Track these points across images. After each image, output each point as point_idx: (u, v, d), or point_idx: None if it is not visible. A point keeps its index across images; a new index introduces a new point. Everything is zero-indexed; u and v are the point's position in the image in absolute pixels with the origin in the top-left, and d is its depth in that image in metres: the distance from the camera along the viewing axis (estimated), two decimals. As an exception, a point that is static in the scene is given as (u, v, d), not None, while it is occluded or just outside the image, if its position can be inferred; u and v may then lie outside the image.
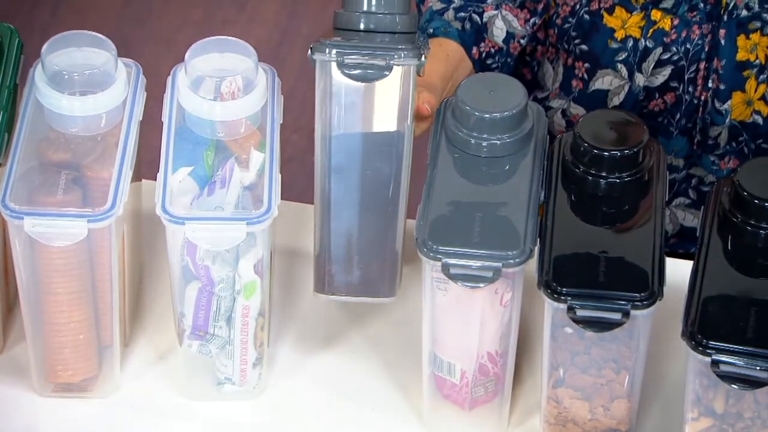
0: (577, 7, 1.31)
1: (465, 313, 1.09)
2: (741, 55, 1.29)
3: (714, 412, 1.06)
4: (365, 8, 1.09)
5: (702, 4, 1.26)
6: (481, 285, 1.05)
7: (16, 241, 1.10)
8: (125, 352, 1.20)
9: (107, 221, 1.08)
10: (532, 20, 1.32)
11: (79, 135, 1.13)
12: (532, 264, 1.07)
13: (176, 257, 1.11)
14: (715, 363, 1.02)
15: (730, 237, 1.08)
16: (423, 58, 1.07)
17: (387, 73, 1.06)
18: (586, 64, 1.33)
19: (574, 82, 1.35)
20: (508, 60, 1.32)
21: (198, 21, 2.28)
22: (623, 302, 1.04)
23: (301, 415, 1.17)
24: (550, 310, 1.06)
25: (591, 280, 1.05)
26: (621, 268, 1.06)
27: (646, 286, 1.05)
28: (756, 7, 1.26)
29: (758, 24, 1.27)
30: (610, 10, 1.29)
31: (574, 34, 1.33)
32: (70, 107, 1.12)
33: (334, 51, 1.06)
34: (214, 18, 2.29)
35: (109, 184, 1.10)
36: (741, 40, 1.27)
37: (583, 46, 1.32)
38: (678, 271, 1.12)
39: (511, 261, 1.05)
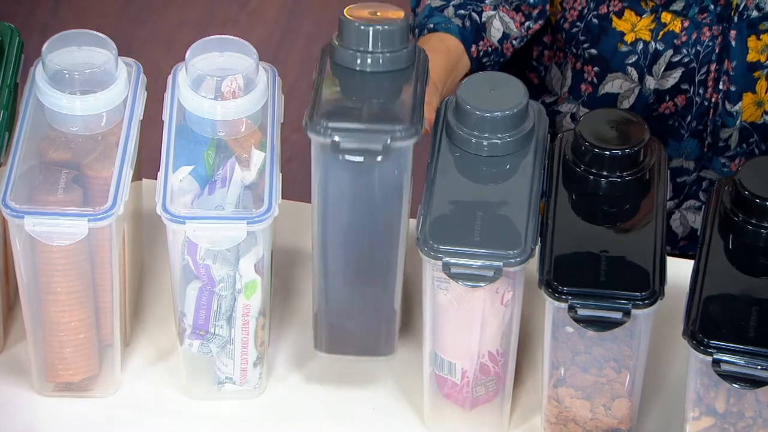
0: (585, 11, 1.31)
1: (466, 312, 1.09)
2: (751, 56, 1.29)
3: (715, 411, 1.06)
4: (362, 47, 1.08)
5: (712, 6, 1.25)
6: (482, 284, 1.05)
7: (17, 241, 1.10)
8: (126, 352, 1.20)
9: (108, 220, 1.08)
10: (527, 24, 1.32)
11: (79, 134, 1.13)
12: (533, 263, 1.07)
13: (177, 256, 1.11)
14: (717, 362, 1.02)
15: (731, 236, 1.08)
16: (420, 134, 1.05)
17: (384, 155, 1.04)
18: (596, 68, 1.33)
19: (583, 86, 1.34)
20: (501, 60, 1.32)
21: (198, 20, 2.28)
22: (624, 301, 1.04)
23: (302, 415, 1.17)
24: (551, 309, 1.06)
25: (592, 279, 1.05)
26: (622, 267, 1.06)
27: (647, 286, 1.05)
28: (767, 8, 1.26)
29: None
30: (620, 14, 1.29)
31: (582, 38, 1.32)
32: (70, 106, 1.12)
33: (330, 134, 1.04)
34: (214, 17, 2.29)
35: (109, 183, 1.10)
36: (752, 41, 1.27)
37: (592, 50, 1.32)
38: (679, 270, 1.12)
39: (512, 260, 1.05)
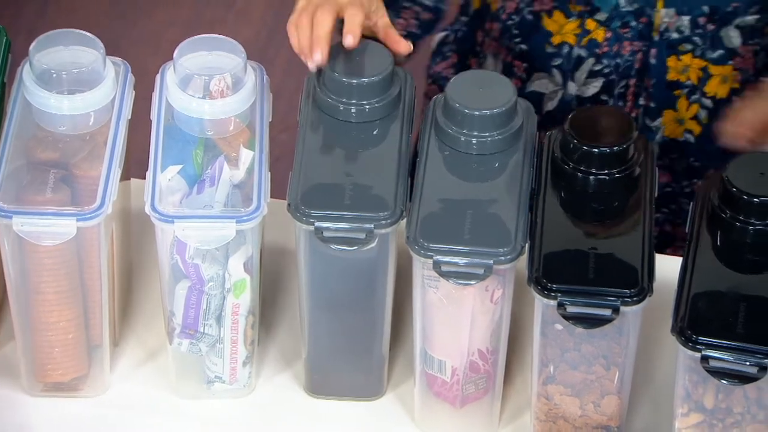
0: (522, 4, 1.29)
1: (456, 310, 1.09)
2: (671, 76, 1.28)
3: (704, 407, 1.06)
4: (346, 99, 1.10)
5: (634, 23, 1.25)
6: (473, 282, 1.05)
7: (5, 241, 1.09)
8: (115, 352, 1.20)
9: (96, 220, 1.08)
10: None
11: (67, 134, 1.13)
12: (522, 261, 1.07)
13: (166, 256, 1.11)
14: (705, 358, 1.02)
15: (719, 233, 1.08)
16: (403, 216, 1.06)
17: (368, 243, 1.05)
18: (525, 64, 1.31)
19: (512, 81, 1.33)
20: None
21: (186, 20, 2.28)
22: (613, 298, 1.04)
23: (292, 414, 1.17)
24: (540, 306, 1.06)
25: (581, 276, 1.05)
26: (611, 264, 1.06)
27: (636, 282, 1.05)
28: (687, 32, 1.25)
29: (689, 47, 1.26)
30: (550, 13, 1.28)
31: (515, 32, 1.31)
32: (58, 106, 1.12)
33: (313, 222, 1.05)
34: (201, 17, 2.29)
35: (97, 182, 1.10)
36: (671, 61, 1.27)
37: (523, 46, 1.30)
38: (667, 267, 1.12)
39: (502, 258, 1.05)
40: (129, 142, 1.15)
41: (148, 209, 1.08)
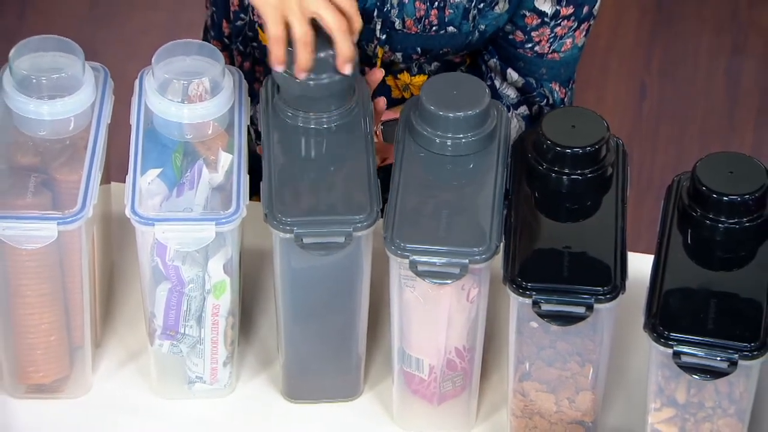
0: (246, 2, 1.25)
1: (432, 309, 1.10)
2: (396, 94, 1.29)
3: (676, 402, 1.08)
4: (305, 107, 1.10)
5: None
6: (449, 282, 1.07)
7: (-14, 244, 1.10)
8: (96, 353, 1.21)
9: (77, 223, 1.09)
10: None
11: (47, 138, 1.13)
12: (498, 260, 1.08)
13: (146, 258, 1.12)
14: (677, 354, 1.04)
15: (689, 231, 1.10)
16: (379, 217, 1.07)
17: (347, 247, 1.06)
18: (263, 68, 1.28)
19: (255, 85, 1.29)
20: None
21: (163, 24, 2.28)
22: (587, 296, 1.06)
23: (273, 414, 1.18)
24: (516, 304, 1.08)
25: (555, 275, 1.07)
26: (584, 262, 1.08)
27: (609, 280, 1.07)
28: (401, 61, 1.25)
29: (402, 66, 1.27)
30: (263, 27, 1.22)
31: (250, 34, 1.29)
32: (38, 111, 1.13)
33: (292, 229, 1.05)
34: (179, 21, 2.29)
35: (78, 186, 1.10)
36: (390, 81, 1.27)
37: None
38: (640, 265, 1.14)
39: (478, 257, 1.06)
40: (109, 146, 1.16)
41: (128, 212, 1.09)
